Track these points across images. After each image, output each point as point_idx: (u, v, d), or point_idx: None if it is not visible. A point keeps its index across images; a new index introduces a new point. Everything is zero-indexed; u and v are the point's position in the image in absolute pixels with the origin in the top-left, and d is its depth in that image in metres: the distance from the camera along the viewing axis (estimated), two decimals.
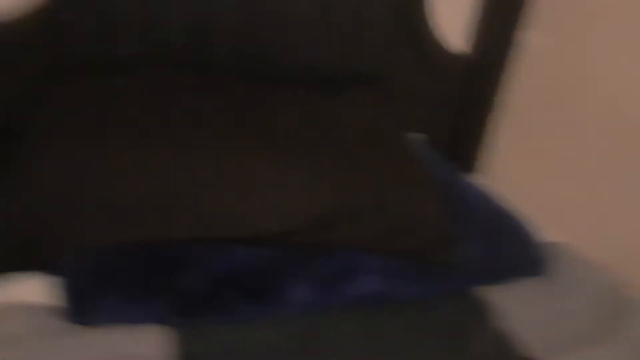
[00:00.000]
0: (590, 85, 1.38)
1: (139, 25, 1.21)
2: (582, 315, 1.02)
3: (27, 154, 1.01)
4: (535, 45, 1.52)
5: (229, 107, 1.13)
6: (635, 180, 1.29)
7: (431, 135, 1.58)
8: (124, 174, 0.93)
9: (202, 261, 0.87)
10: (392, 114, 1.35)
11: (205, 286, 0.85)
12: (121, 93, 1.10)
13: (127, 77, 1.15)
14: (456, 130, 1.65)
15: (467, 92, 1.60)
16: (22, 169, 0.99)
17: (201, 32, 1.27)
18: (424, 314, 0.95)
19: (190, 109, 1.09)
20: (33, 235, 0.89)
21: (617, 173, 1.32)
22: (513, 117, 1.62)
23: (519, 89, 1.58)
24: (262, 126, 1.10)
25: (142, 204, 0.91)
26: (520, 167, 1.61)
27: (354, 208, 1.00)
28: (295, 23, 1.33)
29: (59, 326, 0.79)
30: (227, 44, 1.30)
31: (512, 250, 1.08)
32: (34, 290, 0.86)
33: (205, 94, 1.16)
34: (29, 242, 0.89)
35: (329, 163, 1.05)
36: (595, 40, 1.36)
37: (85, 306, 0.80)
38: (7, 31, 1.13)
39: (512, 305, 1.01)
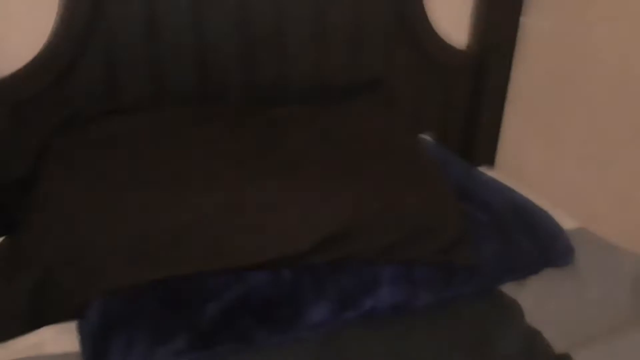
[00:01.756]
0: (596, 62, 1.34)
1: (143, 65, 1.25)
2: (610, 302, 0.99)
3: (41, 202, 1.03)
4: (536, 30, 1.49)
5: (237, 134, 1.15)
6: None
7: (442, 132, 1.57)
8: (135, 213, 0.95)
9: (218, 292, 0.87)
10: (400, 117, 1.34)
11: (222, 316, 0.85)
12: (131, 133, 1.13)
13: (136, 116, 1.18)
14: (467, 125, 1.63)
15: (474, 86, 1.58)
16: (37, 218, 1.01)
17: (202, 63, 1.29)
18: (448, 319, 0.93)
19: (199, 141, 1.12)
20: (47, 284, 0.90)
21: (634, 149, 1.28)
22: (522, 106, 1.59)
23: (526, 76, 1.56)
24: (272, 148, 1.11)
25: (153, 241, 0.92)
26: (534, 155, 1.58)
27: (369, 219, 0.99)
28: (294, 36, 1.35)
29: None
30: (229, 70, 1.32)
31: (533, 243, 1.06)
32: (52, 338, 0.88)
33: (214, 124, 1.18)
34: (43, 291, 0.90)
35: (342, 176, 1.05)
36: (594, 16, 1.33)
37: (102, 350, 0.80)
38: (15, 82, 1.16)
39: (538, 299, 0.99)
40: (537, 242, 1.06)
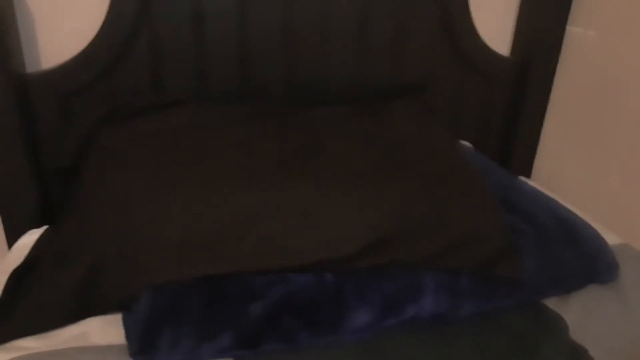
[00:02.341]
0: (637, 76, 1.32)
1: (188, 61, 1.26)
2: None
3: (86, 196, 1.04)
4: (582, 39, 1.47)
5: (280, 134, 1.15)
6: None
7: (480, 140, 1.55)
8: (181, 210, 0.95)
9: (262, 292, 0.87)
10: (440, 122, 1.32)
11: (265, 315, 0.85)
12: (176, 128, 1.13)
13: (180, 112, 1.18)
14: (505, 134, 1.61)
15: (515, 95, 1.56)
16: (83, 210, 1.03)
17: (245, 60, 1.30)
18: (491, 331, 0.92)
19: (241, 139, 1.12)
20: (94, 275, 0.91)
21: None
22: (564, 117, 1.57)
23: (569, 86, 1.53)
24: (314, 149, 1.11)
25: (199, 238, 0.92)
26: (573, 167, 1.55)
27: (414, 225, 0.98)
28: (337, 38, 1.35)
29: None
30: (272, 69, 1.33)
31: (578, 257, 1.04)
32: (97, 329, 0.88)
33: (256, 123, 1.18)
34: (91, 282, 0.91)
35: (386, 180, 1.04)
36: (637, 29, 1.30)
37: (149, 343, 0.80)
38: (63, 74, 1.18)
39: (583, 316, 0.97)
40: (581, 257, 1.04)
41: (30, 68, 1.18)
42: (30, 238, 1.13)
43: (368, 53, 1.38)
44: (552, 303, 0.98)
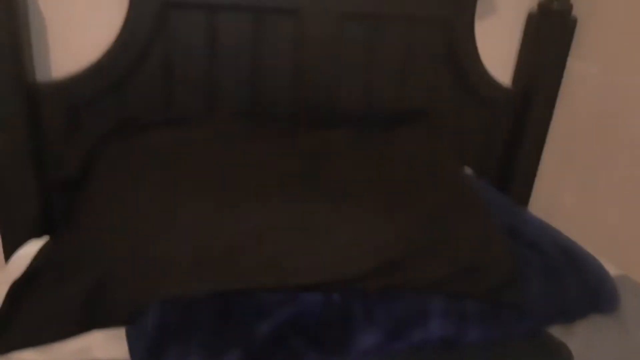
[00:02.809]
0: (638, 107, 1.35)
1: (200, 79, 1.27)
2: None
3: (93, 208, 1.03)
4: (582, 73, 1.51)
5: (288, 154, 1.16)
6: None
7: (479, 168, 1.57)
8: (191, 226, 0.95)
9: (270, 310, 0.87)
10: (443, 149, 1.34)
11: (273, 334, 0.84)
12: (183, 145, 1.13)
13: (188, 129, 1.18)
14: (504, 162, 1.63)
15: (516, 125, 1.59)
16: (89, 222, 1.01)
17: (256, 82, 1.31)
18: (496, 357, 0.92)
19: (250, 159, 1.12)
20: (101, 288, 0.90)
21: None
22: (562, 148, 1.59)
23: (568, 119, 1.56)
24: (323, 170, 1.12)
25: (209, 254, 0.92)
26: (569, 197, 1.57)
27: (419, 250, 0.99)
28: (346, 62, 1.37)
29: None
30: (282, 91, 1.34)
31: (581, 287, 1.05)
32: (99, 344, 0.87)
33: (264, 142, 1.19)
34: (97, 295, 0.90)
35: (391, 204, 1.05)
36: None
37: (155, 359, 0.79)
38: (74, 84, 1.18)
39: (586, 344, 0.97)
40: (585, 286, 1.05)
41: (41, 77, 1.18)
42: (31, 248, 1.11)
43: (375, 77, 1.41)
44: (556, 331, 0.99)
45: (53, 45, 1.19)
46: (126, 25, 1.17)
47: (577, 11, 1.49)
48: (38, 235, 1.16)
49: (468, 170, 1.51)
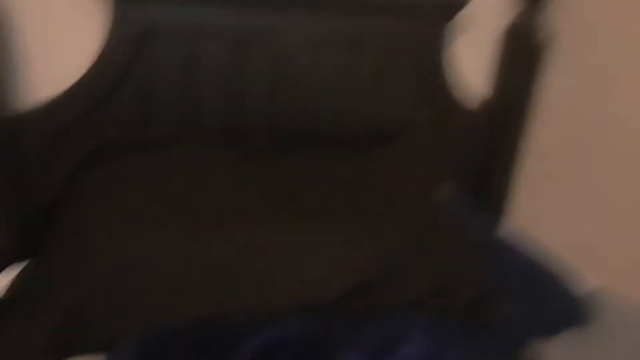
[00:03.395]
0: (616, 124, 1.38)
1: (177, 102, 1.27)
2: None
3: (72, 232, 1.03)
4: (557, 88, 1.54)
5: (266, 176, 1.16)
6: None
7: (462, 183, 1.58)
8: (170, 251, 0.95)
9: (250, 335, 0.87)
10: (421, 167, 1.36)
11: (255, 359, 0.84)
12: (162, 168, 1.13)
13: (167, 152, 1.18)
14: (481, 180, 1.65)
15: (494, 138, 1.62)
16: (67, 248, 1.01)
17: (234, 105, 1.32)
18: None
19: (229, 182, 1.12)
20: (77, 317, 0.89)
21: None
22: (538, 163, 1.62)
23: (543, 134, 1.59)
24: (300, 192, 1.12)
25: (186, 281, 0.92)
26: (547, 213, 1.60)
27: (397, 270, 1.00)
28: (323, 84, 1.38)
29: None
30: (260, 113, 1.35)
31: (558, 302, 1.07)
32: None
33: (243, 165, 1.20)
34: (73, 324, 0.89)
35: (367, 226, 1.06)
36: (616, 76, 1.37)
37: None
38: (51, 110, 1.18)
39: (565, 358, 0.99)
40: (561, 301, 1.07)
41: (18, 103, 1.17)
42: (7, 276, 1.09)
43: (354, 98, 1.42)
44: (534, 347, 1.00)
45: (31, 70, 1.19)
46: (104, 49, 1.17)
47: (549, 28, 1.53)
48: (18, 260, 1.15)
49: (448, 185, 1.53)
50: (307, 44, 1.33)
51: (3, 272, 1.12)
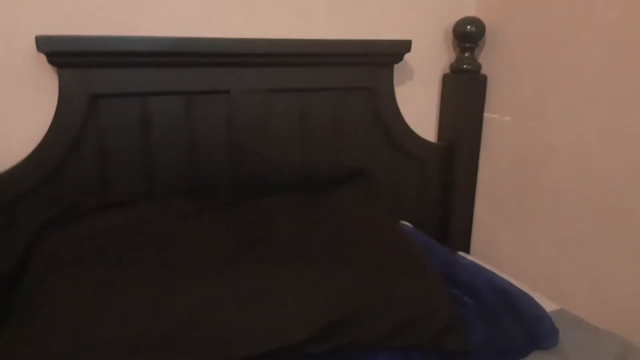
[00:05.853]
0: (553, 149, 1.47)
1: (135, 161, 1.29)
2: None
3: (31, 300, 1.01)
4: (498, 124, 1.63)
5: (228, 226, 1.18)
6: (617, 236, 1.34)
7: (419, 220, 1.64)
8: (131, 309, 0.94)
9: None
10: (381, 205, 1.40)
11: None
12: (122, 228, 1.14)
13: (127, 211, 1.19)
14: (441, 213, 1.71)
15: (446, 176, 1.69)
16: (26, 317, 0.98)
17: (192, 158, 1.35)
18: None
19: (190, 234, 1.14)
20: None
21: (599, 229, 1.37)
22: (491, 193, 1.69)
23: (492, 166, 1.67)
24: (262, 239, 1.14)
25: (150, 337, 0.90)
26: (505, 239, 1.66)
27: (363, 307, 1.01)
28: (280, 132, 1.44)
29: None
30: (218, 165, 1.38)
31: (519, 326, 1.09)
32: None
33: (203, 217, 1.21)
34: None
35: (332, 265, 1.08)
36: (548, 109, 1.47)
37: None
38: (8, 180, 1.18)
39: None
40: (523, 325, 1.10)
41: None
42: None
43: (309, 145, 1.48)
44: None
45: None
46: (57, 117, 1.20)
47: (485, 69, 1.63)
48: None
49: (407, 224, 1.57)
50: (259, 96, 1.38)
51: None
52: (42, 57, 1.17)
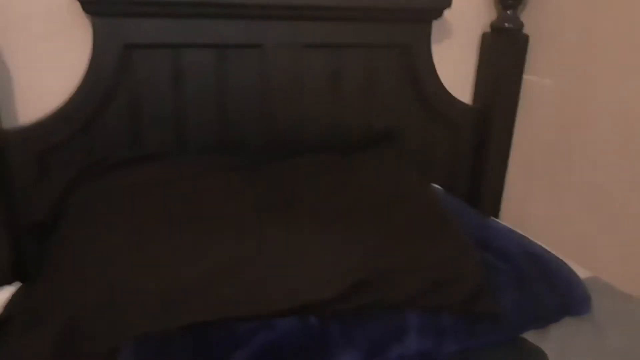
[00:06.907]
0: (597, 116, 1.41)
1: (166, 116, 1.29)
2: (631, 351, 0.99)
3: (64, 251, 1.03)
4: (538, 86, 1.57)
5: (258, 184, 1.18)
6: None
7: (449, 184, 1.61)
8: (163, 260, 0.95)
9: (247, 338, 0.86)
10: (412, 168, 1.38)
11: None
12: (153, 181, 1.14)
13: (157, 164, 1.20)
14: (473, 177, 1.68)
15: (479, 140, 1.65)
16: (60, 265, 1.01)
17: (223, 115, 1.34)
18: None
19: (220, 190, 1.14)
20: (74, 329, 0.89)
21: (637, 198, 1.32)
22: (526, 159, 1.65)
23: (529, 130, 1.62)
24: (292, 198, 1.14)
25: (181, 288, 0.92)
26: (537, 206, 1.62)
27: (393, 267, 1.00)
28: (311, 90, 1.41)
29: None
30: (249, 122, 1.37)
31: (552, 291, 1.07)
32: None
33: (234, 173, 1.21)
34: (70, 336, 0.89)
35: (363, 224, 1.07)
36: (594, 72, 1.41)
37: None
38: (41, 130, 1.19)
39: (561, 348, 0.99)
40: (555, 291, 1.08)
41: (7, 124, 1.18)
42: (2, 295, 1.09)
43: (340, 104, 1.45)
44: (531, 336, 1.01)
45: (19, 92, 1.20)
46: (90, 68, 1.19)
47: (527, 29, 1.56)
48: (10, 282, 1.15)
49: (437, 187, 1.55)
50: (292, 51, 1.35)
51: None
52: (77, 5, 1.16)
